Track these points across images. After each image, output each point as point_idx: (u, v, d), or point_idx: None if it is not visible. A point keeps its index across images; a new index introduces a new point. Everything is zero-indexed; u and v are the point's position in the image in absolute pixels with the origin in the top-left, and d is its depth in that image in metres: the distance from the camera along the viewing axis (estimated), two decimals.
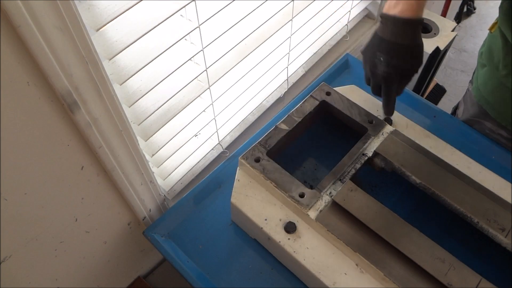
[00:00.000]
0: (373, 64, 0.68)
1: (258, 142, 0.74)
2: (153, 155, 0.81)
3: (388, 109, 0.74)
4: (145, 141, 0.77)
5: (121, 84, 0.64)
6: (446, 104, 1.99)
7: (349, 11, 1.20)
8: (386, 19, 0.66)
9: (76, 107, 0.57)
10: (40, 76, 0.52)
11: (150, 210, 0.89)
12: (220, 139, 0.99)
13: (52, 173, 0.64)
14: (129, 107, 0.70)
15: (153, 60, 0.65)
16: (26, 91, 0.52)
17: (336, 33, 1.25)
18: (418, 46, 0.68)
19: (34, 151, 0.59)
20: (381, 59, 0.66)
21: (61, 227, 0.74)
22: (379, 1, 1.30)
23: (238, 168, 0.74)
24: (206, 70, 0.77)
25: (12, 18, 0.44)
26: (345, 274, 0.65)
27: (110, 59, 0.60)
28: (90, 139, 0.63)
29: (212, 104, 0.86)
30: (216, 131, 0.94)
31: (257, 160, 0.71)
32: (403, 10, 0.64)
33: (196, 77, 0.78)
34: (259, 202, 0.71)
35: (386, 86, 0.70)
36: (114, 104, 0.63)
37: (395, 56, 0.66)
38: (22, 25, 0.45)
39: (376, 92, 0.74)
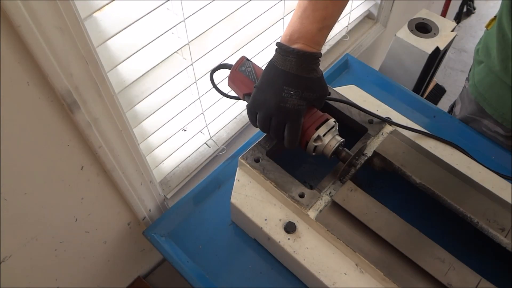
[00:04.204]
0: (282, 100, 0.63)
1: (258, 142, 0.74)
2: (148, 154, 0.81)
3: (294, 143, 0.68)
4: (140, 143, 0.77)
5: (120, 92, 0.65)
6: (445, 104, 1.99)
7: (349, 12, 1.20)
8: (287, 52, 0.63)
9: (76, 107, 0.57)
10: (40, 76, 0.52)
11: (150, 210, 0.89)
12: (212, 134, 0.98)
13: (52, 173, 0.64)
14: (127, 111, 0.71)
15: (136, 51, 0.66)
16: (26, 91, 0.52)
17: (336, 33, 1.25)
18: (322, 77, 0.67)
19: (34, 151, 0.59)
20: (291, 92, 0.63)
21: (61, 227, 0.74)
22: (379, 2, 1.30)
23: (238, 168, 0.74)
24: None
25: (12, 18, 0.44)
26: (345, 274, 0.65)
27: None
28: (90, 139, 0.63)
29: (199, 98, 0.86)
30: (206, 126, 0.94)
31: (257, 160, 0.71)
32: (305, 45, 0.63)
33: (196, 84, 0.78)
34: (259, 202, 0.71)
35: (295, 119, 0.65)
36: (114, 104, 0.63)
37: (306, 89, 0.63)
38: (22, 25, 0.45)
39: (279, 132, 0.67)
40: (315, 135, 0.67)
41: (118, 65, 0.64)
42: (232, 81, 0.73)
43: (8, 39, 0.46)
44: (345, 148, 0.69)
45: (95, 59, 0.55)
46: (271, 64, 0.65)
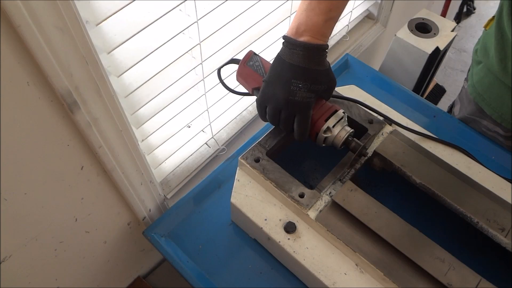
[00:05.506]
0: (291, 93, 0.63)
1: (258, 142, 0.74)
2: (148, 153, 0.81)
3: (305, 135, 0.68)
4: (141, 141, 0.77)
5: (124, 96, 0.64)
6: (445, 104, 1.99)
7: (351, 11, 1.20)
8: (294, 45, 0.63)
9: (76, 107, 0.57)
10: (40, 76, 0.52)
11: (150, 210, 0.89)
12: (214, 133, 0.99)
13: (52, 173, 0.64)
14: (132, 114, 0.71)
15: (150, 53, 0.66)
16: (26, 91, 0.52)
17: (336, 33, 1.25)
18: (330, 69, 0.67)
19: (34, 151, 0.59)
20: (300, 85, 0.63)
21: (61, 227, 0.74)
22: (379, 1, 1.30)
23: (238, 168, 0.74)
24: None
25: (12, 18, 0.44)
26: (345, 274, 0.65)
27: (108, 53, 0.60)
28: (90, 139, 0.63)
29: (205, 94, 0.86)
30: (210, 124, 0.94)
31: (257, 160, 0.71)
32: (312, 37, 0.63)
33: (199, 82, 0.77)
34: (259, 202, 0.71)
35: (305, 112, 0.66)
36: (114, 104, 0.63)
37: (314, 82, 0.64)
38: (22, 25, 0.45)
39: (289, 124, 0.67)
40: (325, 127, 0.68)
41: (132, 67, 0.64)
42: (240, 76, 0.74)
43: (8, 39, 0.46)
44: (354, 138, 0.70)
45: (95, 59, 0.55)
46: (278, 57, 0.66)
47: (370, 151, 0.74)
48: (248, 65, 0.72)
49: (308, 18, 0.63)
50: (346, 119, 0.70)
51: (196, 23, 0.70)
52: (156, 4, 0.63)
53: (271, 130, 0.75)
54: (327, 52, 0.66)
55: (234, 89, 0.78)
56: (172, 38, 0.67)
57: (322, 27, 0.64)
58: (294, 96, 0.64)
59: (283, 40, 0.66)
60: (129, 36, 0.60)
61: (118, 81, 0.68)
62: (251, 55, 0.73)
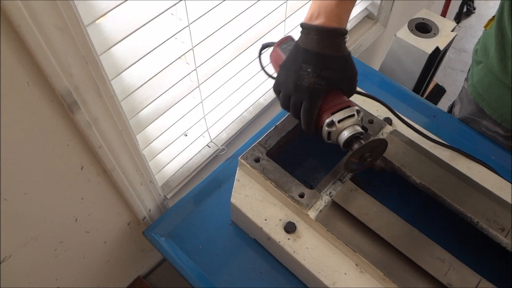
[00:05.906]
0: (299, 77, 0.61)
1: (258, 142, 0.74)
2: (150, 160, 0.81)
3: (310, 124, 0.65)
4: (143, 149, 0.77)
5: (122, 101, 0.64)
6: (445, 104, 1.99)
7: None
8: (308, 29, 0.61)
9: (76, 107, 0.57)
10: (40, 76, 0.52)
11: (150, 210, 0.89)
12: (213, 137, 0.99)
13: (52, 173, 0.64)
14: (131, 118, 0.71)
15: (140, 58, 0.65)
16: (26, 91, 0.52)
17: None
18: (349, 56, 0.63)
19: (34, 151, 0.59)
20: (309, 70, 0.60)
21: (61, 227, 0.74)
22: (379, 1, 1.30)
23: (238, 168, 0.74)
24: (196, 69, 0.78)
25: (12, 18, 0.44)
26: (345, 274, 0.65)
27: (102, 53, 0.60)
28: (90, 139, 0.63)
29: (201, 102, 0.86)
30: (207, 130, 0.94)
31: (257, 160, 0.71)
32: (326, 20, 0.61)
33: (194, 83, 0.77)
34: (259, 202, 0.71)
35: (311, 99, 0.62)
36: (114, 104, 0.63)
37: (324, 67, 0.61)
38: (22, 25, 0.45)
39: (297, 112, 0.64)
40: (329, 119, 0.62)
41: (122, 72, 0.64)
42: (271, 57, 0.73)
43: (8, 39, 0.46)
44: (361, 140, 0.63)
45: (95, 59, 0.55)
46: (295, 43, 0.64)
47: None
48: (280, 48, 0.70)
49: (322, 1, 0.62)
50: (360, 119, 0.64)
51: (188, 28, 0.70)
52: (147, 7, 0.63)
53: (271, 130, 0.75)
54: (345, 38, 0.63)
55: (264, 69, 0.77)
56: (163, 43, 0.67)
57: (335, 8, 0.61)
58: (302, 80, 0.61)
59: (301, 28, 0.64)
60: (119, 39, 0.60)
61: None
62: (287, 40, 0.71)
